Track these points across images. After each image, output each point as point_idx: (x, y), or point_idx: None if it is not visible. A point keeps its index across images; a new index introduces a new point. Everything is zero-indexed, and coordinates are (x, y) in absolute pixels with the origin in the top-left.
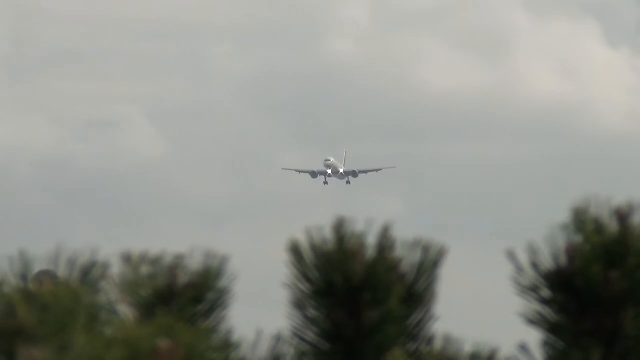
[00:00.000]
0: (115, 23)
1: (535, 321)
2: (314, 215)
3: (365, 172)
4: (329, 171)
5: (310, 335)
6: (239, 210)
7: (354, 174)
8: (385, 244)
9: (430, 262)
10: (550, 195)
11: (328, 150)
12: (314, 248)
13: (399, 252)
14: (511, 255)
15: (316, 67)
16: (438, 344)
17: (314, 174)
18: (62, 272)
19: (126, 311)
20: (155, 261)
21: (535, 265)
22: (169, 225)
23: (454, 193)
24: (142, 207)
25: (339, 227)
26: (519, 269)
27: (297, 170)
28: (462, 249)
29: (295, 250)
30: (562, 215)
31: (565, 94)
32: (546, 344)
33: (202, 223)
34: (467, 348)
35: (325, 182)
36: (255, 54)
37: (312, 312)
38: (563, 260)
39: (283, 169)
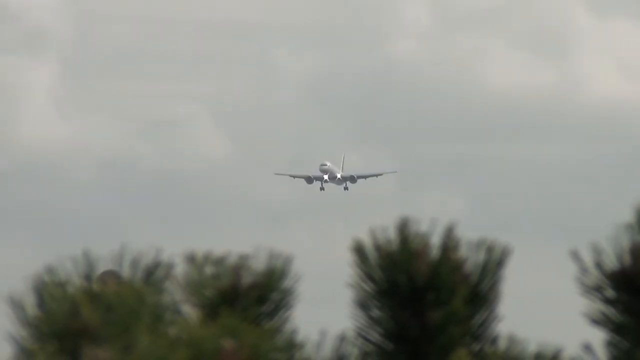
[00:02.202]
0: (179, 24)
1: (599, 321)
2: (379, 215)
3: (365, 177)
4: (326, 176)
5: (375, 335)
6: (303, 210)
7: (352, 179)
8: (449, 244)
9: (494, 262)
10: (613, 194)
11: (390, 149)
12: (378, 248)
13: (463, 252)
14: (575, 255)
15: (379, 67)
16: (502, 344)
17: (309, 180)
18: (126, 272)
19: (190, 311)
20: (220, 261)
21: (599, 265)
22: (233, 225)
23: (517, 193)
24: (205, 207)
25: (403, 227)
26: (583, 269)
27: (291, 176)
28: (526, 248)
29: (359, 251)
30: (626, 215)
31: (627, 94)
32: (610, 344)
33: (266, 223)
34: (531, 348)
35: (322, 188)
36: (318, 54)
37: (376, 313)
38: (627, 260)
39: (276, 173)
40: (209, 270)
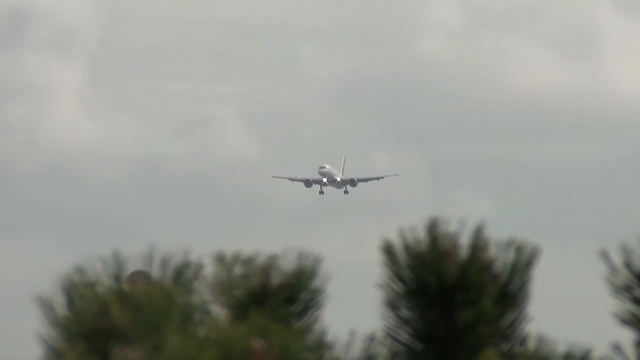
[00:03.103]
0: (208, 24)
1: (628, 321)
2: (407, 216)
3: (365, 180)
4: (325, 179)
5: (404, 335)
6: (332, 211)
7: (353, 182)
8: (478, 244)
9: (523, 262)
10: None
11: (418, 149)
12: (408, 248)
13: (492, 252)
14: (604, 255)
15: (407, 67)
16: (531, 344)
17: (308, 183)
18: (155, 272)
19: (219, 311)
20: (249, 261)
21: (628, 265)
22: (262, 226)
23: (545, 193)
24: (235, 207)
25: (433, 227)
26: (612, 269)
27: (289, 179)
28: (555, 248)
29: (388, 251)
30: None
31: None
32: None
33: (295, 223)
34: (561, 348)
35: (321, 192)
36: (346, 53)
37: (405, 313)
38: None
39: (274, 177)
40: (238, 270)
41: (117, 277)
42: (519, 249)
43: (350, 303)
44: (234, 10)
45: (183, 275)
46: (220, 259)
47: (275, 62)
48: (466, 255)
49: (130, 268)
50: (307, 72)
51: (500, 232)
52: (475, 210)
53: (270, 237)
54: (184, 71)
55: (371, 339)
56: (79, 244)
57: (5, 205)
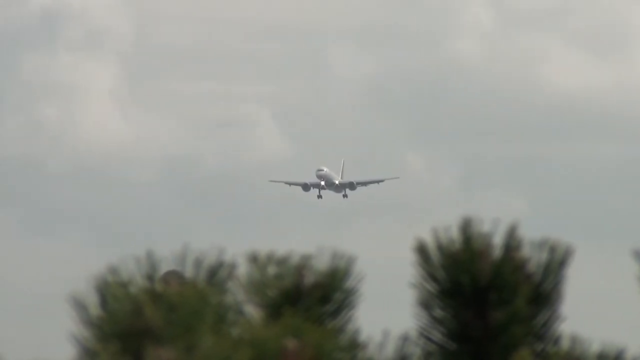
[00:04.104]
0: (240, 24)
1: None
2: (440, 215)
3: (365, 183)
4: (323, 183)
5: (437, 335)
6: (365, 210)
7: (352, 186)
8: (512, 243)
9: (556, 262)
10: None
11: (450, 150)
12: (441, 248)
13: (526, 252)
14: (638, 255)
15: (438, 66)
16: (565, 344)
17: (305, 187)
18: (189, 272)
19: (253, 311)
20: (282, 261)
21: None
22: (295, 225)
23: (578, 193)
24: (268, 207)
25: (466, 227)
26: None
27: (286, 183)
28: (588, 248)
29: (422, 250)
30: None
31: None
32: None
33: (329, 223)
34: (594, 348)
35: (319, 196)
36: (378, 53)
37: (438, 312)
38: None
39: (270, 180)
40: (271, 270)
41: (150, 277)
42: (552, 249)
43: (384, 303)
44: (266, 10)
45: (216, 275)
46: (253, 258)
47: (306, 62)
48: (499, 255)
49: (164, 268)
50: (338, 72)
51: (533, 232)
52: (508, 210)
53: (303, 237)
54: (216, 71)
55: (405, 338)
56: (112, 244)
57: (39, 206)
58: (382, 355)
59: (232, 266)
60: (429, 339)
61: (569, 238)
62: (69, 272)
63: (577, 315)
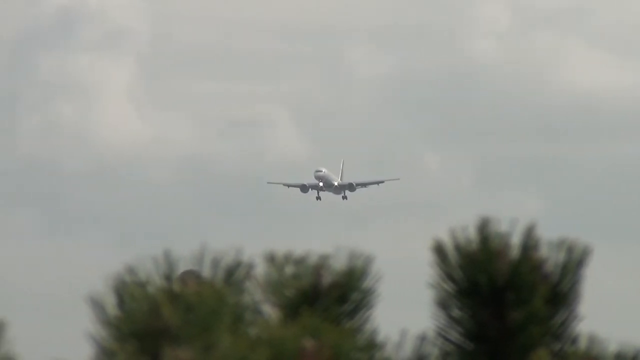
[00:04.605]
0: (257, 23)
1: None
2: (457, 215)
3: (365, 185)
4: (321, 184)
5: (455, 335)
6: (383, 210)
7: (351, 187)
8: (529, 243)
9: (574, 262)
10: None
11: (468, 149)
12: (458, 248)
13: (543, 252)
14: None
15: (456, 66)
16: (582, 344)
17: (304, 188)
18: (206, 272)
19: (271, 311)
20: (300, 261)
21: None
22: (313, 225)
23: (596, 192)
24: (285, 207)
25: (483, 227)
26: None
27: (284, 184)
28: (605, 248)
29: (439, 250)
30: None
31: None
32: None
33: (346, 223)
34: (612, 348)
35: (318, 198)
36: (396, 53)
37: (456, 312)
38: None
39: (268, 182)
40: (289, 270)
41: (168, 277)
42: (569, 249)
43: (402, 303)
44: (284, 10)
45: (234, 275)
46: (271, 258)
47: (325, 61)
48: (517, 255)
49: (181, 268)
50: (356, 71)
51: (550, 232)
52: (525, 210)
53: (321, 237)
54: (233, 71)
55: (422, 338)
56: (129, 243)
57: (55, 205)
58: (399, 355)
59: (250, 266)
60: (446, 339)
61: (586, 238)
62: (86, 271)
63: (595, 315)
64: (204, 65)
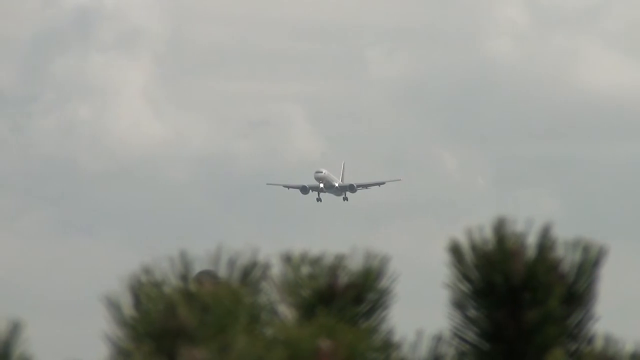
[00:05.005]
0: (274, 24)
1: None
2: (473, 216)
3: (366, 186)
4: (322, 185)
5: (471, 335)
6: (399, 210)
7: (352, 188)
8: (545, 243)
9: (590, 262)
10: None
11: (483, 149)
12: (474, 248)
13: (559, 252)
14: None
15: (473, 67)
16: (598, 344)
17: (304, 189)
18: (222, 272)
19: (287, 312)
20: (316, 261)
21: None
22: (329, 225)
23: (612, 192)
24: (302, 207)
25: (499, 227)
26: None
27: (284, 186)
28: (621, 248)
29: (455, 250)
30: None
31: None
32: None
33: (362, 223)
34: (628, 348)
35: (319, 199)
36: (412, 54)
37: (472, 312)
38: None
39: (268, 184)
40: (305, 270)
41: (184, 277)
42: (586, 249)
43: (418, 303)
44: (300, 10)
45: (250, 275)
46: (287, 258)
47: (341, 62)
48: (533, 255)
49: (198, 268)
50: (373, 72)
51: (566, 232)
52: (541, 210)
53: (337, 237)
54: (250, 71)
55: (438, 339)
56: (145, 243)
57: (72, 205)
58: (415, 356)
59: (266, 266)
60: (462, 339)
61: (603, 237)
62: (102, 271)
63: (611, 315)
64: (221, 65)
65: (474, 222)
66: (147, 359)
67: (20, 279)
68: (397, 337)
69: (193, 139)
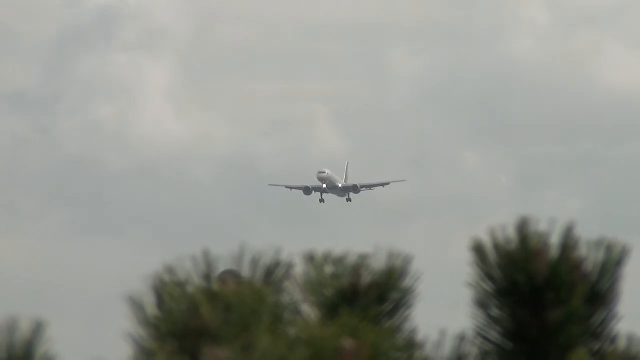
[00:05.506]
0: (297, 24)
1: None
2: (496, 215)
3: (369, 187)
4: (324, 185)
5: (494, 334)
6: (422, 209)
7: (355, 189)
8: (568, 243)
9: (613, 261)
10: None
11: (506, 149)
12: (498, 247)
13: (582, 251)
14: None
15: (496, 66)
16: (621, 344)
17: (307, 190)
18: (245, 272)
19: (310, 311)
20: (339, 261)
21: None
22: (352, 225)
23: (635, 192)
24: (325, 206)
25: (522, 226)
26: None
27: (287, 187)
28: None
29: (478, 250)
30: None
31: None
32: None
33: (385, 222)
34: None
35: (322, 200)
36: (435, 53)
37: (495, 312)
38: None
39: (270, 184)
40: (328, 269)
41: (207, 277)
42: (608, 248)
43: (441, 302)
44: (323, 10)
45: (273, 274)
46: (310, 258)
47: (365, 61)
48: (556, 255)
49: (221, 267)
50: (396, 71)
51: (589, 231)
52: (564, 210)
53: (360, 236)
54: (273, 70)
55: (461, 338)
56: (169, 243)
57: (96, 205)
58: (438, 355)
59: (289, 266)
60: (485, 338)
61: (625, 237)
62: (125, 271)
63: (634, 314)
64: (244, 65)
65: (497, 221)
66: (171, 358)
67: (44, 278)
68: (420, 337)
69: (216, 139)
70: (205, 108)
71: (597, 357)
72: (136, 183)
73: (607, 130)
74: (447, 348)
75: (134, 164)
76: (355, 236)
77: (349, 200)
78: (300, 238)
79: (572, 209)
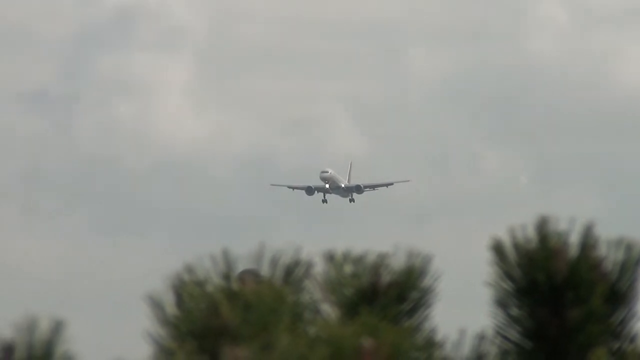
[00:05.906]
0: (315, 22)
1: None
2: (516, 214)
3: (373, 187)
4: (327, 185)
5: (513, 334)
6: (441, 209)
7: (358, 189)
8: (588, 242)
9: (633, 261)
10: None
11: (525, 147)
12: (517, 246)
13: (602, 250)
14: None
15: (515, 65)
16: None
17: (309, 190)
18: (265, 271)
19: (329, 310)
20: (359, 260)
21: None
22: (371, 224)
23: None
24: (344, 205)
25: (542, 225)
26: None
27: (288, 187)
28: None
29: (498, 249)
30: None
31: None
32: None
33: (405, 221)
34: None
35: (324, 200)
36: (454, 52)
37: (515, 311)
38: None
39: (272, 184)
40: (348, 269)
41: (226, 276)
42: (628, 247)
43: (460, 301)
44: (342, 8)
45: (293, 274)
46: (330, 257)
47: (383, 60)
48: (576, 254)
49: (240, 267)
50: (415, 70)
51: (609, 231)
52: (584, 209)
53: (380, 235)
54: (292, 69)
55: (481, 337)
56: (188, 242)
57: (115, 204)
58: (458, 354)
59: (309, 265)
60: (505, 337)
61: None
62: (145, 270)
63: None
64: (263, 63)
65: (516, 220)
66: (190, 357)
67: (64, 277)
68: (439, 336)
69: (236, 137)
70: (224, 106)
71: (617, 356)
72: (156, 182)
73: (627, 130)
74: (467, 347)
75: (153, 163)
76: (375, 235)
77: (351, 200)
78: (320, 237)
79: (591, 208)
